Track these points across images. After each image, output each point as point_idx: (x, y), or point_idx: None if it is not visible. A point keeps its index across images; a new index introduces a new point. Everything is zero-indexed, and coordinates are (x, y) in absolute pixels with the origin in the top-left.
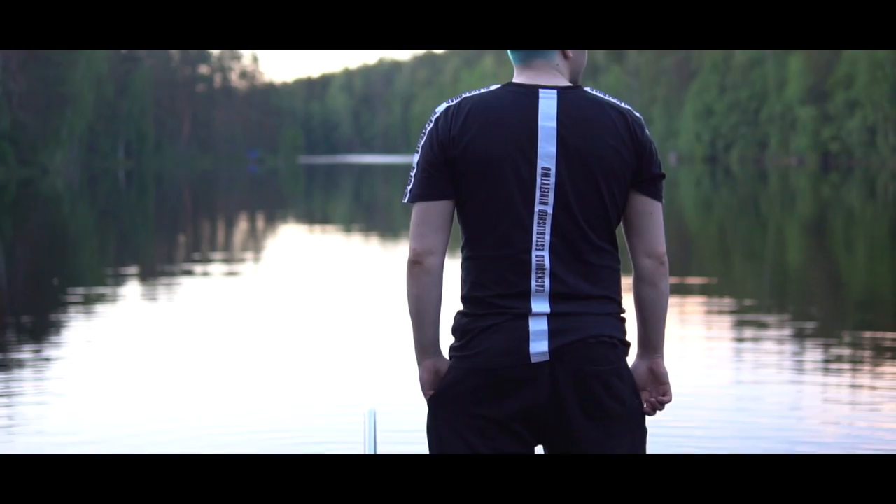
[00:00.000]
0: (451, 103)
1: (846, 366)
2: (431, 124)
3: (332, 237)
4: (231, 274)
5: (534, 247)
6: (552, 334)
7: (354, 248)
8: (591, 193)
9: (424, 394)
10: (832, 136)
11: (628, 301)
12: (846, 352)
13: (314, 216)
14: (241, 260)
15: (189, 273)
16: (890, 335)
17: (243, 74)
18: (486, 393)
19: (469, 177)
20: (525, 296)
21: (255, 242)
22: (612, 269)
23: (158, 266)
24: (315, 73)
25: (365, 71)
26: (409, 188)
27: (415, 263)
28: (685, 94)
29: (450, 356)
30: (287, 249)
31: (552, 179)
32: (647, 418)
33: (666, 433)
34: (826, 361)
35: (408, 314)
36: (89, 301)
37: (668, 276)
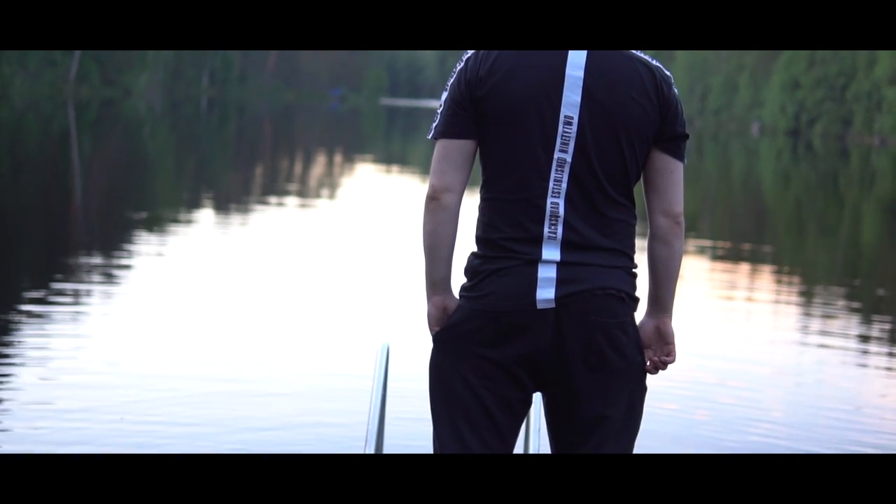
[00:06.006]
0: None
1: None
2: (462, 63)
3: (407, 179)
4: (302, 207)
5: (549, 193)
6: (560, 282)
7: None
8: (612, 146)
9: (430, 329)
10: None
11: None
12: None
13: (392, 157)
14: (313, 195)
15: (263, 203)
16: None
17: None
18: (491, 335)
19: (492, 118)
20: (537, 241)
21: (329, 179)
22: (626, 224)
23: (232, 195)
24: None
25: None
26: (434, 125)
27: (432, 199)
28: (773, 65)
29: (460, 296)
30: (359, 188)
31: (574, 128)
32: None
33: (713, 396)
34: (890, 341)
35: (422, 249)
36: (160, 225)
37: (683, 237)
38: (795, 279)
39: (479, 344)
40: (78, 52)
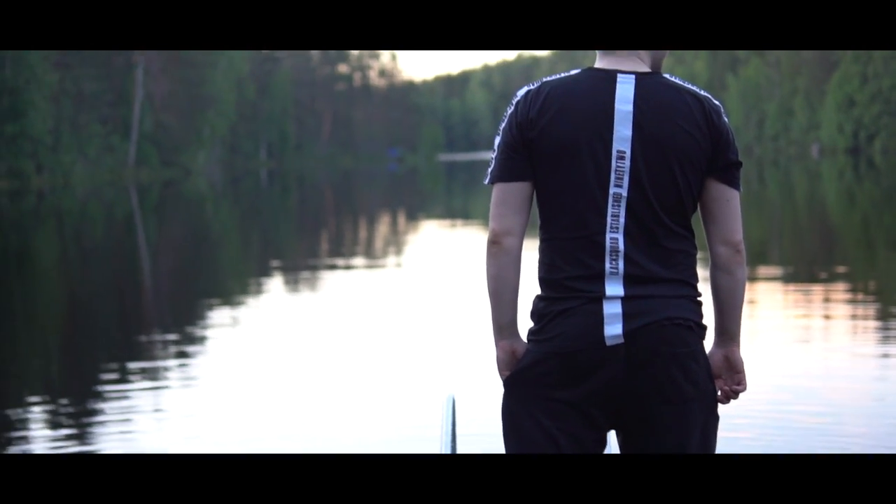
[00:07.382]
0: (531, 87)
1: None
2: (512, 107)
3: (471, 231)
4: (369, 267)
5: (608, 229)
6: (626, 317)
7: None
8: (666, 178)
9: (500, 374)
10: None
11: (705, 288)
12: None
13: (454, 212)
14: (379, 255)
15: (330, 267)
16: None
17: (382, 73)
18: (562, 376)
19: (546, 159)
20: (599, 278)
21: (394, 238)
22: (687, 254)
23: (300, 261)
24: (454, 70)
25: (504, 67)
26: (489, 170)
27: (493, 243)
28: (827, 85)
29: (528, 339)
30: (424, 245)
31: (627, 163)
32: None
33: (794, 410)
34: None
35: (487, 295)
36: (231, 298)
37: (745, 265)
38: (870, 296)
39: (550, 386)
40: (135, 136)
